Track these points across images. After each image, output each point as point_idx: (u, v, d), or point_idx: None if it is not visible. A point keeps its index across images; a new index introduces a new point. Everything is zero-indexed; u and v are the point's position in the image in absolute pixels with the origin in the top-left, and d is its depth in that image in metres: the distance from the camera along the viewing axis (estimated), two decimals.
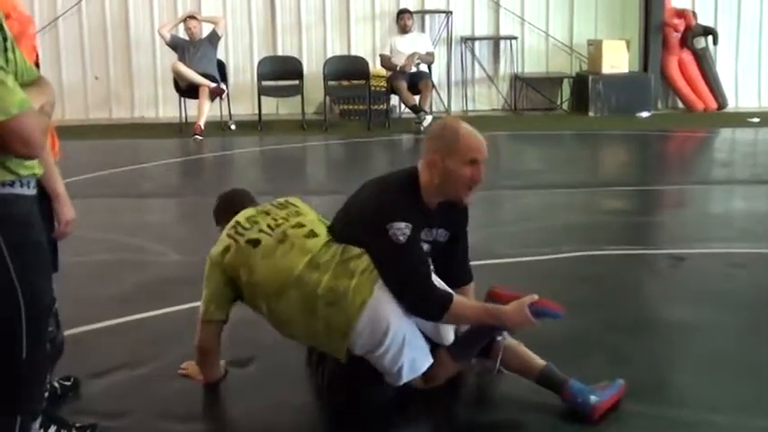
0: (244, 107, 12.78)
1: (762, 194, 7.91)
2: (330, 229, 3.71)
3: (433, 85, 12.49)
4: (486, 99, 13.74)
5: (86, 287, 5.17)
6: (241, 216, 3.78)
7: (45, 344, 2.76)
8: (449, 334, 3.61)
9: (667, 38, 13.30)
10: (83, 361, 3.92)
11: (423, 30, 13.20)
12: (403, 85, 11.78)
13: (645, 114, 12.85)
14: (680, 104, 13.65)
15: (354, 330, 3.39)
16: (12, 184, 2.48)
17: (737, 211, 7.47)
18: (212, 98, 11.72)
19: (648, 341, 4.35)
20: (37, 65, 3.15)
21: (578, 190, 8.01)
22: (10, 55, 2.46)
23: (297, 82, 12.26)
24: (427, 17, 13.48)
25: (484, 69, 13.63)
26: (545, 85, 13.54)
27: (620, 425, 3.45)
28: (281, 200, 3.90)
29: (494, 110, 13.67)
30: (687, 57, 13.37)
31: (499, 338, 3.56)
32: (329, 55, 12.98)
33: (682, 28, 13.27)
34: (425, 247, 3.62)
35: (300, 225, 3.68)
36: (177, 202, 8.13)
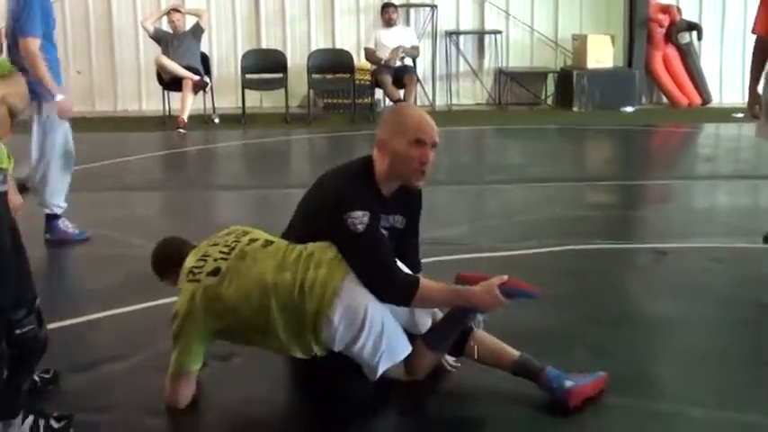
0: (227, 100, 12.73)
1: (744, 190, 7.95)
2: (286, 234, 3.70)
3: (418, 79, 12.49)
4: (471, 93, 13.74)
5: (69, 281, 5.17)
6: (189, 262, 3.60)
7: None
8: (425, 323, 3.62)
9: (652, 33, 13.33)
10: (65, 355, 3.90)
11: (407, 23, 13.18)
12: (387, 78, 11.77)
13: (629, 109, 12.88)
14: (664, 99, 13.69)
15: (331, 321, 3.38)
16: None
17: (720, 206, 7.50)
18: (196, 91, 11.69)
19: (630, 335, 4.36)
20: None
21: (562, 184, 8.02)
22: None
23: (281, 75, 12.23)
24: (412, 11, 13.47)
25: (468, 63, 13.63)
26: (529, 79, 13.55)
27: (601, 417, 3.46)
28: (224, 231, 3.80)
29: (478, 104, 13.68)
30: (672, 52, 13.41)
31: (476, 328, 3.56)
32: (313, 48, 12.95)
33: (666, 23, 13.30)
34: (383, 233, 3.62)
35: (254, 240, 3.63)
36: (160, 196, 8.09)
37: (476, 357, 3.60)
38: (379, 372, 3.51)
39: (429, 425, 3.57)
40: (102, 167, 9.01)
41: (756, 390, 3.75)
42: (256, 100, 12.96)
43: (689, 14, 13.48)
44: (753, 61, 5.88)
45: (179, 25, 11.81)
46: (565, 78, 13.30)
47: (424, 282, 3.49)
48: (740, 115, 12.19)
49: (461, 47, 13.63)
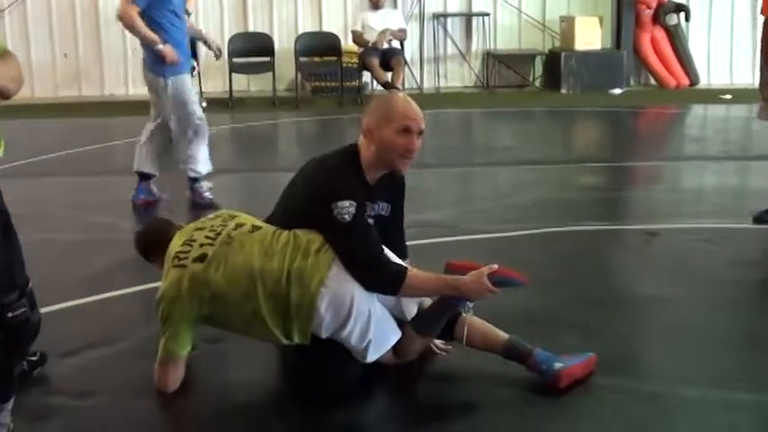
0: (214, 84, 12.69)
1: (732, 170, 7.95)
2: (271, 218, 3.68)
3: (406, 62, 12.44)
4: (459, 76, 13.71)
5: (56, 266, 5.14)
6: (175, 245, 3.58)
7: None
8: (411, 311, 3.61)
9: (640, 14, 13.31)
10: (53, 340, 3.87)
11: (395, 6, 13.11)
12: (375, 61, 11.73)
13: (617, 91, 12.87)
14: (652, 81, 13.68)
15: (317, 310, 3.37)
16: None
17: (709, 187, 7.50)
18: None
19: (620, 316, 4.36)
20: None
21: (550, 166, 8.02)
22: None
23: (268, 59, 12.18)
24: None
25: (456, 46, 13.59)
26: (517, 61, 13.52)
27: (592, 399, 3.46)
28: (211, 215, 3.80)
29: (466, 87, 13.65)
30: (659, 33, 13.39)
31: (465, 313, 3.56)
32: (300, 31, 12.90)
33: (654, 5, 13.28)
34: (370, 221, 3.60)
35: (240, 225, 3.61)
36: None
37: (464, 342, 3.58)
38: (370, 358, 3.51)
39: (418, 407, 3.56)
40: (88, 152, 8.98)
41: (745, 369, 3.75)
42: (244, 84, 12.91)
43: None
44: (763, 44, 5.88)
45: None
46: (553, 60, 13.28)
47: (412, 271, 3.48)
48: (728, 96, 12.23)
49: (449, 29, 13.59)
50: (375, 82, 12.26)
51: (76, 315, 4.47)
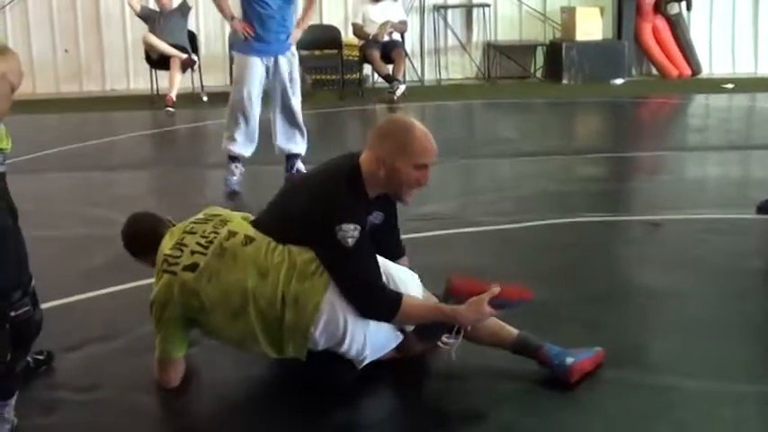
0: (215, 78, 12.66)
1: (735, 160, 7.94)
2: (258, 224, 3.58)
3: (406, 54, 12.43)
4: (460, 67, 13.70)
5: (58, 261, 5.13)
6: (165, 247, 3.54)
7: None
8: (408, 327, 3.56)
9: (641, 4, 13.29)
10: (56, 335, 3.86)
11: None
12: (376, 54, 11.72)
13: (619, 81, 12.85)
14: (654, 71, 13.66)
15: (312, 335, 3.34)
16: None
17: (711, 177, 7.48)
18: (183, 69, 11.63)
19: (624, 308, 4.35)
20: None
21: (552, 157, 8.00)
22: None
23: None
24: None
25: (457, 37, 13.58)
26: (518, 52, 13.51)
27: (597, 391, 3.44)
28: (201, 215, 3.72)
29: (467, 78, 13.64)
30: (661, 23, 13.37)
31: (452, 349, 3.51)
32: None
33: None
34: (371, 245, 3.50)
35: (233, 233, 3.52)
36: (149, 175, 8.04)
37: (469, 337, 3.52)
38: (367, 362, 3.49)
39: (421, 402, 3.55)
40: (90, 147, 8.98)
41: (751, 360, 3.74)
42: None
43: None
44: None
45: (166, 3, 11.72)
46: (554, 51, 13.26)
47: (408, 300, 3.40)
48: (730, 86, 12.20)
49: (449, 21, 13.57)
50: (376, 74, 12.25)
51: (79, 310, 4.47)
